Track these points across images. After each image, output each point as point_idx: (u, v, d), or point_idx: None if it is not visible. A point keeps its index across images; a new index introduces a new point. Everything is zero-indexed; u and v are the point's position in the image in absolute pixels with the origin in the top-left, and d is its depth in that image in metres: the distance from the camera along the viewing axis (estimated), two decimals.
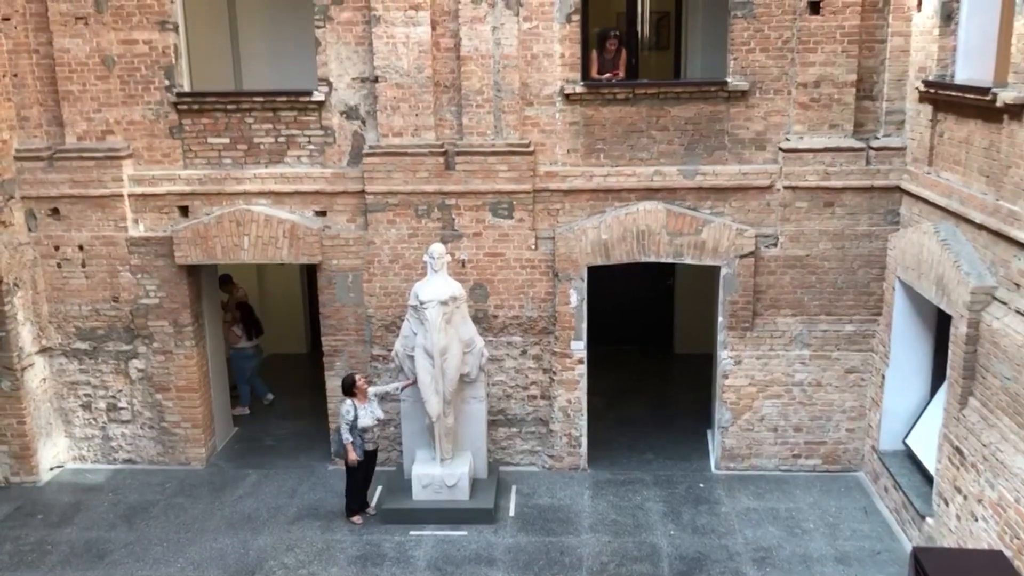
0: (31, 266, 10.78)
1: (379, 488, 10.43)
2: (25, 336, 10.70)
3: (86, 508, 10.46)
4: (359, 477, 9.95)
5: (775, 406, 10.61)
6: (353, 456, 9.74)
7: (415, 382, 9.81)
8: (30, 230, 10.77)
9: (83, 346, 11.05)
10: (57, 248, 10.80)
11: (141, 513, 10.32)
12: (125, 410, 11.20)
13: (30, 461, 10.88)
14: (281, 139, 10.51)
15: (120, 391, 11.15)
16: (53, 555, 9.55)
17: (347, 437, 9.66)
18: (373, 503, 10.23)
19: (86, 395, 11.21)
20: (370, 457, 9.96)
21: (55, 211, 10.70)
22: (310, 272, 12.31)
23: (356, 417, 9.67)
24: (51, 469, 11.20)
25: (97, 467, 11.37)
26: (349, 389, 9.78)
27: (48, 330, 11.02)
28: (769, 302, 10.39)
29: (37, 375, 10.93)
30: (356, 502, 10.01)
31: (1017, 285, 7.51)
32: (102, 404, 11.21)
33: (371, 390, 9.85)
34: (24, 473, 10.93)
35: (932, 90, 9.09)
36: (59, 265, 10.84)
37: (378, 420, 9.91)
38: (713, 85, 10.09)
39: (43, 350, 11.01)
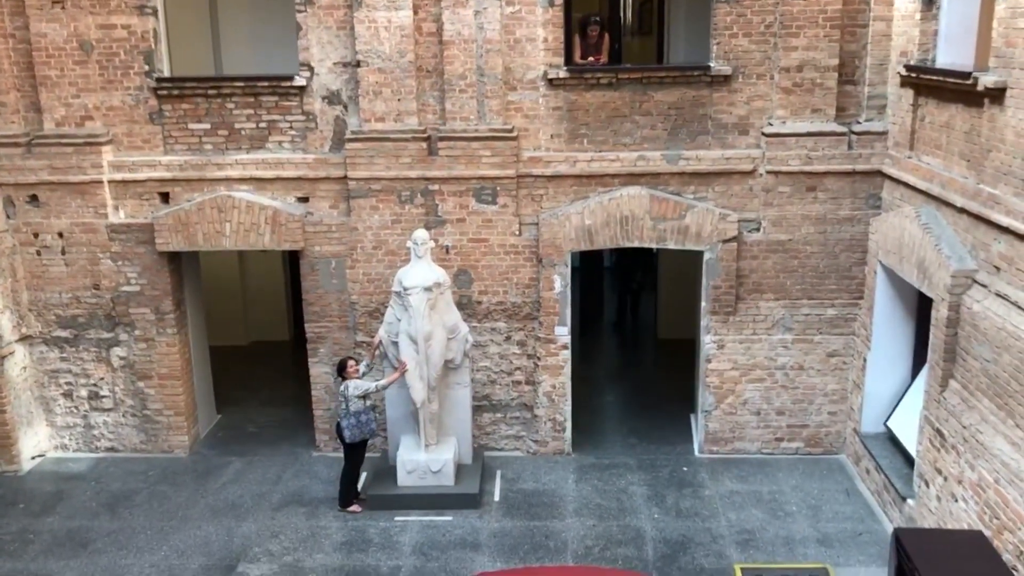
0: (10, 254, 10.66)
1: (364, 474, 10.42)
2: (4, 324, 10.60)
3: (68, 497, 10.40)
4: (357, 464, 9.96)
5: (758, 390, 10.68)
6: (402, 363, 9.73)
7: (399, 375, 9.81)
8: (8, 217, 10.66)
9: (64, 334, 10.96)
10: (36, 235, 10.69)
11: (124, 501, 10.27)
12: (107, 398, 11.13)
13: (11, 450, 10.80)
14: (262, 125, 10.43)
15: (102, 379, 11.08)
16: (35, 544, 9.50)
17: (383, 381, 9.76)
18: (360, 487, 10.21)
19: (67, 383, 11.13)
20: (361, 445, 9.94)
21: (34, 198, 10.58)
22: (293, 259, 12.24)
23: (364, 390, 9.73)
24: (32, 458, 11.13)
25: (79, 456, 11.31)
26: (341, 371, 9.81)
27: (28, 318, 10.92)
28: (752, 286, 10.43)
29: (17, 363, 10.83)
30: (352, 491, 9.99)
31: (997, 268, 7.57)
32: (84, 392, 11.13)
33: (356, 383, 9.80)
34: (5, 462, 10.85)
35: (913, 74, 9.12)
36: (38, 252, 10.74)
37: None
38: (696, 70, 10.09)
39: (23, 338, 10.91)
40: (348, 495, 9.94)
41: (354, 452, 9.89)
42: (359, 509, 9.90)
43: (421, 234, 9.77)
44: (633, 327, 15.29)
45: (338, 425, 9.87)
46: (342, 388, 9.75)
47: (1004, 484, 7.12)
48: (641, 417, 11.97)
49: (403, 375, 9.74)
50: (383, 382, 9.85)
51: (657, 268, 14.67)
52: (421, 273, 9.62)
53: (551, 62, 10.10)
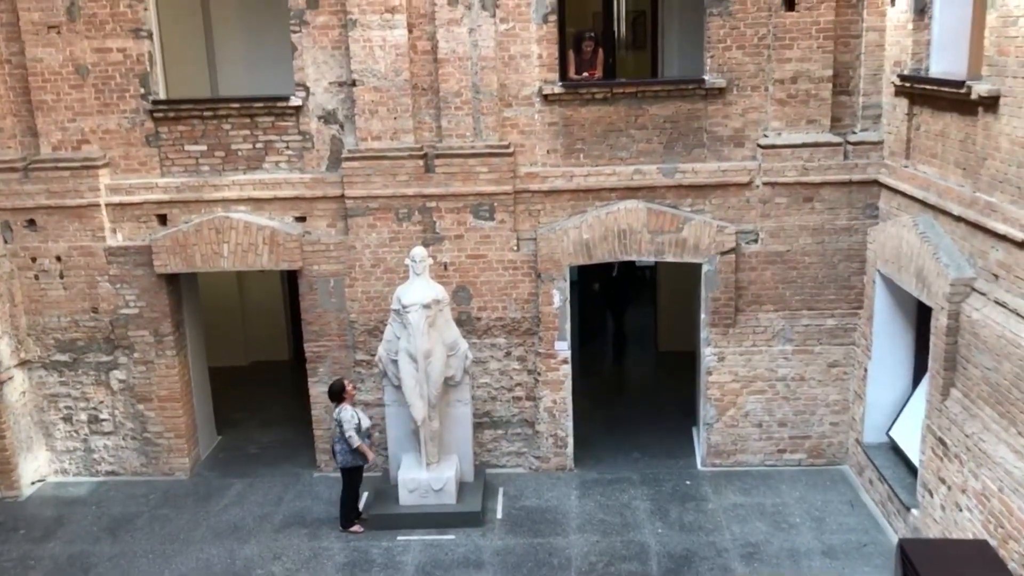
0: (8, 278, 10.66)
1: (366, 494, 10.38)
2: (3, 349, 10.58)
3: (69, 522, 10.35)
4: (355, 486, 9.90)
5: (759, 402, 10.65)
6: (373, 455, 9.78)
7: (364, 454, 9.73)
8: (6, 242, 10.66)
9: (63, 358, 10.94)
10: (34, 259, 10.69)
11: (125, 525, 10.23)
12: (107, 422, 11.10)
13: (11, 476, 10.76)
14: (259, 145, 10.46)
15: (101, 402, 11.05)
16: (36, 571, 9.44)
17: (358, 441, 9.60)
18: (360, 507, 10.16)
19: (67, 407, 11.09)
20: (356, 469, 9.88)
21: (31, 222, 10.59)
22: (291, 278, 12.24)
23: (360, 420, 9.65)
24: (33, 483, 11.08)
25: (79, 480, 11.26)
26: (339, 395, 9.72)
27: (27, 343, 10.90)
28: (751, 298, 10.43)
29: (16, 388, 10.80)
30: (354, 512, 9.94)
31: (996, 276, 7.57)
32: (83, 416, 11.10)
33: (349, 414, 9.72)
34: (5, 488, 10.80)
35: (907, 84, 9.15)
36: (36, 277, 10.73)
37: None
38: (691, 83, 10.12)
39: (22, 363, 10.89)
40: (349, 516, 9.89)
41: (350, 475, 9.83)
42: (361, 529, 9.85)
43: (419, 251, 9.78)
44: (622, 342, 15.12)
45: (333, 448, 9.86)
46: (336, 412, 9.70)
47: (1008, 493, 7.09)
48: (643, 431, 11.93)
49: (371, 459, 9.82)
50: (356, 443, 9.57)
51: (638, 285, 14.64)
52: (420, 290, 9.61)
53: (546, 78, 10.13)
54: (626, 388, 13.65)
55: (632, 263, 14.16)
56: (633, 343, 15.13)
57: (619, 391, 13.50)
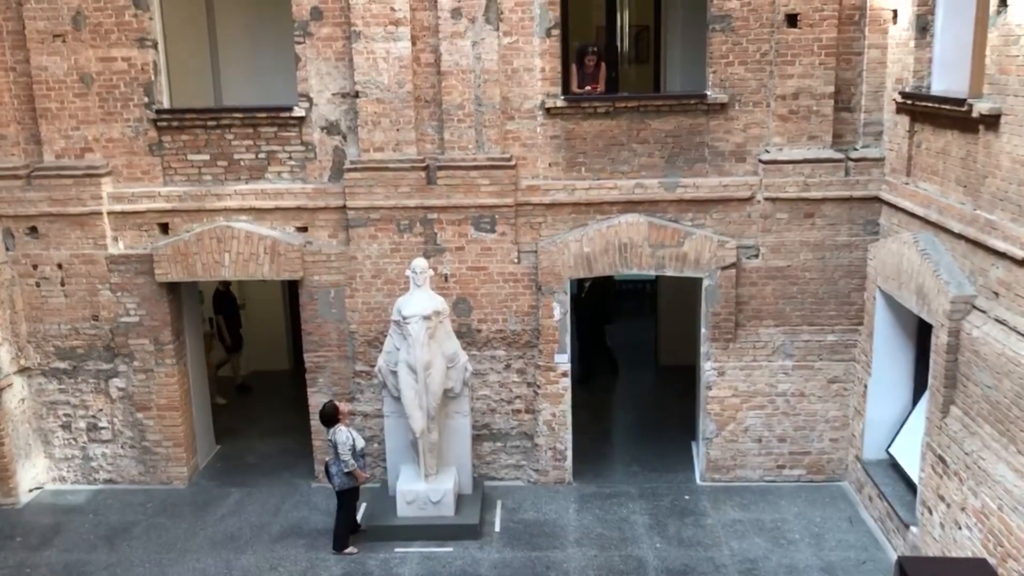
0: (9, 285, 10.67)
1: (363, 505, 10.35)
2: (3, 356, 10.58)
3: (66, 530, 10.33)
4: (352, 510, 9.79)
5: (759, 417, 10.63)
6: (365, 477, 9.66)
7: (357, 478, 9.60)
8: (8, 249, 10.67)
9: (63, 365, 10.94)
10: (36, 267, 10.70)
11: (122, 534, 10.20)
12: (106, 430, 11.08)
13: (9, 483, 10.74)
14: (261, 155, 10.48)
15: (100, 410, 11.04)
16: None
17: (353, 463, 9.47)
18: (359, 518, 10.12)
19: (66, 415, 11.08)
20: (352, 491, 9.71)
21: (33, 229, 10.61)
22: (292, 288, 12.25)
23: (355, 441, 9.55)
24: (30, 491, 11.06)
25: (77, 488, 11.24)
26: (333, 417, 9.56)
27: (27, 350, 10.90)
28: (751, 313, 10.43)
29: (15, 395, 10.80)
30: (346, 536, 9.73)
31: (996, 294, 7.57)
32: (82, 424, 11.09)
33: (344, 436, 9.57)
34: (2, 495, 10.78)
35: (909, 101, 9.18)
36: (38, 284, 10.74)
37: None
38: (693, 98, 10.15)
39: (22, 370, 10.89)
40: (344, 538, 9.69)
41: (346, 498, 9.64)
42: (355, 551, 9.67)
43: (420, 263, 9.79)
44: (603, 365, 14.89)
45: (327, 470, 9.69)
46: (331, 434, 9.54)
47: (1008, 511, 7.07)
48: (642, 445, 11.91)
49: (363, 480, 9.66)
50: (350, 467, 9.41)
51: (614, 304, 14.64)
52: (420, 302, 9.61)
53: (548, 91, 10.17)
54: (626, 402, 13.61)
55: (611, 280, 14.13)
56: (633, 357, 15.10)
57: (619, 405, 13.47)
